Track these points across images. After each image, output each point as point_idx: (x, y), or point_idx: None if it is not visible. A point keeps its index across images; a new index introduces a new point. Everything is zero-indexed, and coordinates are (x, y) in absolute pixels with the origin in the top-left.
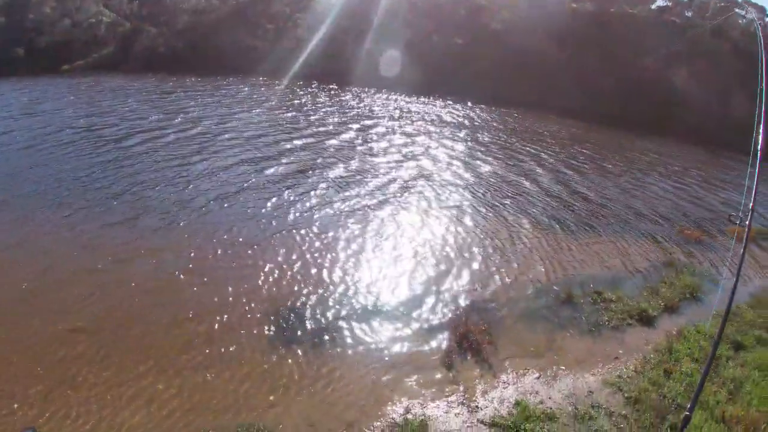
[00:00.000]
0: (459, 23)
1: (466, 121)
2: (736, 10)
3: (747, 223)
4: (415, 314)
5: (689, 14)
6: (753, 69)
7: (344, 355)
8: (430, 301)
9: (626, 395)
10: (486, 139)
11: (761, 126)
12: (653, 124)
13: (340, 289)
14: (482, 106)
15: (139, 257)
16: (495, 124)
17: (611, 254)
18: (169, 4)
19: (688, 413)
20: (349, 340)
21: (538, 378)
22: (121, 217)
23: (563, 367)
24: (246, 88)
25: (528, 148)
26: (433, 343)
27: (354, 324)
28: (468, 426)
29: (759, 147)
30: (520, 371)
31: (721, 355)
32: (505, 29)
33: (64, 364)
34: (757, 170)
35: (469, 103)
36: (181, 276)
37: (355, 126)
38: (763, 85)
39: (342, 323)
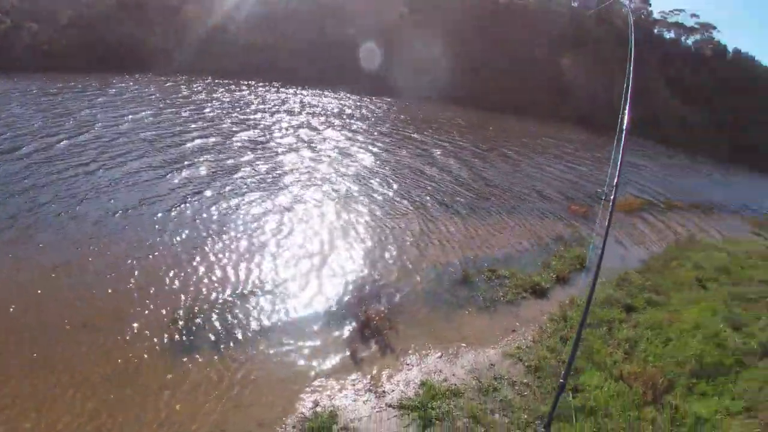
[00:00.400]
0: (352, 15)
1: (368, 114)
2: None
3: (612, 198)
4: (318, 308)
5: (575, 4)
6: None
7: (250, 357)
8: (333, 293)
9: (526, 364)
10: (388, 129)
11: (627, 108)
12: (546, 110)
13: (245, 289)
14: (382, 98)
15: (36, 273)
16: (396, 116)
17: (506, 233)
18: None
19: (562, 381)
20: (254, 341)
21: (440, 357)
22: (14, 234)
23: (464, 345)
24: (137, 86)
25: (429, 138)
26: (337, 335)
27: (259, 323)
28: (377, 411)
29: (624, 127)
30: (423, 352)
31: (614, 318)
32: (401, 21)
33: None
34: (621, 153)
35: (369, 96)
36: (81, 289)
37: (255, 122)
38: (631, 67)
39: (246, 324)
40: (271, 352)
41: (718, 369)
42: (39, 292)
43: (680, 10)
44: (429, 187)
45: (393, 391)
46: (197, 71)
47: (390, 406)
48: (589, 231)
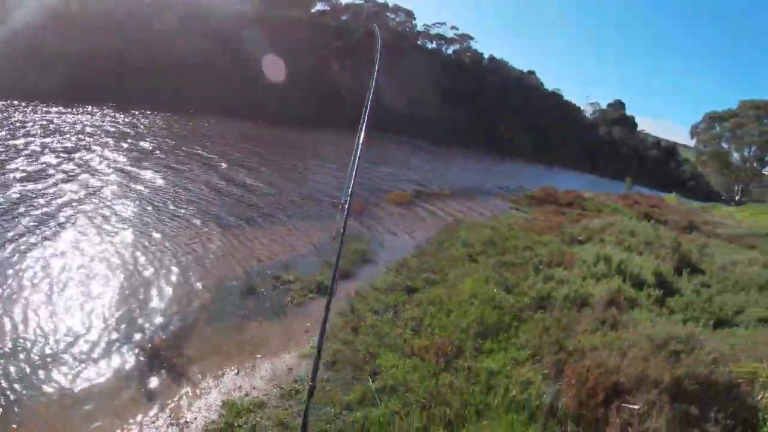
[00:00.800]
0: (116, 24)
1: (130, 130)
2: (387, 13)
3: (347, 206)
4: (101, 351)
5: (345, 17)
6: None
7: (34, 415)
8: (116, 331)
9: (323, 361)
10: (153, 146)
11: (365, 121)
12: (316, 117)
13: (14, 341)
14: (145, 112)
15: None
16: (162, 131)
17: (285, 239)
18: None
19: (312, 384)
20: (36, 397)
21: (237, 374)
22: None
23: (260, 355)
24: None
25: (199, 152)
26: (126, 375)
27: (38, 377)
28: None
29: (358, 152)
30: (219, 372)
31: (398, 301)
32: (167, 31)
33: None
34: (356, 165)
35: (132, 111)
36: None
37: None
38: (373, 81)
39: (23, 379)
40: (56, 406)
41: (500, 327)
42: None
43: (442, 23)
44: (205, 203)
45: (195, 419)
46: None
47: None
48: (363, 226)
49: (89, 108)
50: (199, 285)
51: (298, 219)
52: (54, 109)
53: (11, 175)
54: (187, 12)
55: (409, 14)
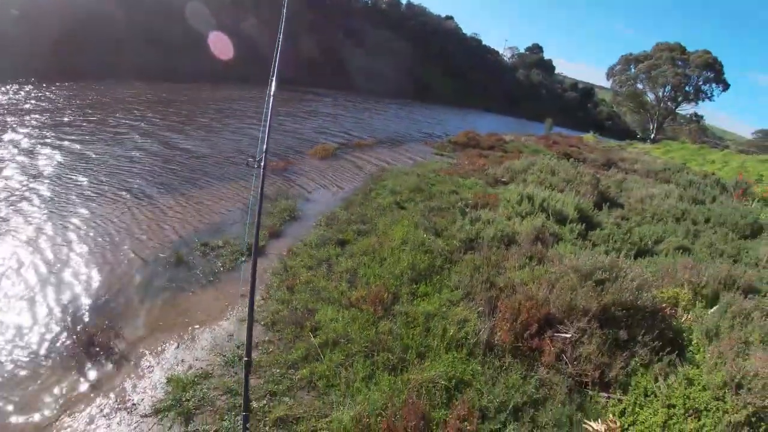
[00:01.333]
0: None
1: (42, 104)
2: None
3: (263, 165)
4: (25, 348)
5: None
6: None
7: None
8: (39, 325)
9: (263, 323)
10: (70, 119)
11: (274, 75)
12: (218, 73)
13: None
14: (48, 83)
15: None
16: (73, 101)
17: (208, 204)
18: None
19: (246, 359)
20: None
21: (177, 347)
22: None
23: (198, 326)
24: None
25: (120, 119)
26: (62, 367)
27: None
28: (135, 427)
29: (270, 107)
30: (159, 349)
31: (331, 255)
32: None
33: None
34: (269, 121)
35: (33, 81)
36: None
37: None
38: (280, 37)
39: None
40: None
41: (432, 271)
42: None
43: None
44: (123, 174)
45: (143, 400)
46: None
47: (145, 416)
48: (288, 183)
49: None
50: (125, 262)
51: (221, 181)
52: None
53: None
54: None
55: None
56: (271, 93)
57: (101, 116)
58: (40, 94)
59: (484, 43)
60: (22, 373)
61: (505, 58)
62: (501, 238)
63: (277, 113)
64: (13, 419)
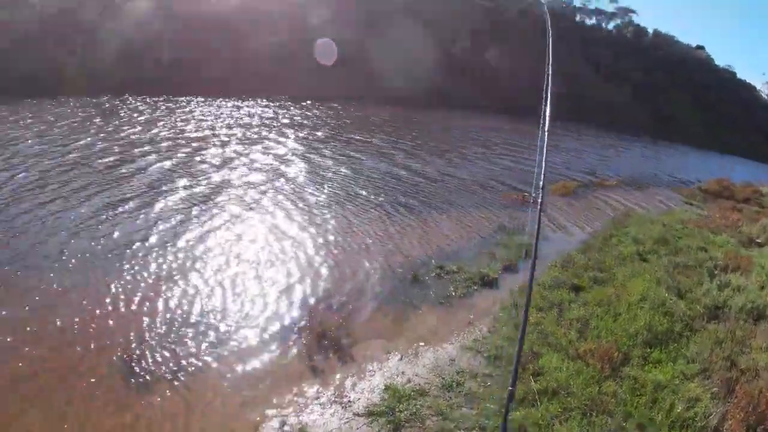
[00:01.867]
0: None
1: (304, 121)
2: None
3: (540, 200)
4: (272, 326)
5: None
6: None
7: (206, 384)
8: (286, 308)
9: (485, 355)
10: (323, 134)
11: (546, 107)
12: (472, 101)
13: (193, 313)
14: (306, 103)
15: None
16: (328, 120)
17: (449, 228)
18: None
19: (511, 388)
20: (208, 367)
21: (401, 359)
22: None
23: (422, 344)
24: (65, 111)
25: (364, 138)
26: (294, 350)
27: (211, 348)
28: (345, 422)
29: (545, 131)
30: (383, 356)
31: (564, 300)
32: (320, 24)
33: None
34: (544, 152)
35: (300, 102)
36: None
37: (187, 140)
38: (550, 71)
39: (198, 350)
40: (227, 376)
41: (670, 336)
42: None
43: None
44: (367, 189)
45: (359, 399)
46: (116, 89)
47: (358, 415)
48: (528, 218)
49: (263, 101)
50: (366, 270)
51: (460, 207)
52: (229, 103)
53: (207, 164)
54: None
55: None
56: (545, 129)
57: (363, 136)
58: (299, 112)
59: (738, 76)
60: (257, 343)
61: (762, 94)
62: (750, 311)
63: (524, 145)
64: (241, 382)
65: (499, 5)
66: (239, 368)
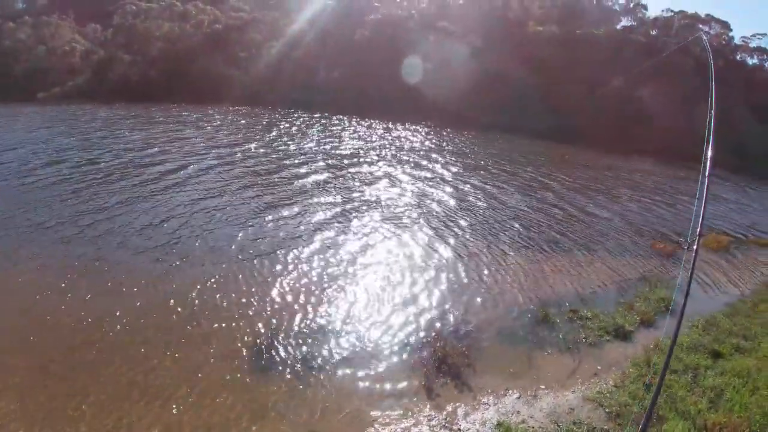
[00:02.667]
0: (426, 47)
1: (455, 147)
2: (699, 25)
3: (695, 247)
4: (394, 340)
5: (654, 32)
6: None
7: (323, 386)
8: (410, 326)
9: (607, 410)
10: (474, 162)
11: (709, 150)
12: (622, 141)
13: (320, 318)
14: (461, 131)
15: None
16: (476, 148)
17: (586, 272)
18: (141, 32)
19: None
20: (327, 370)
21: (518, 398)
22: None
23: (543, 386)
24: (233, 117)
25: (513, 170)
26: (413, 369)
27: (332, 353)
28: None
29: (707, 173)
30: (501, 392)
31: (700, 365)
32: (474, 52)
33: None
34: (704, 197)
35: (451, 128)
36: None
37: (340, 156)
38: (713, 101)
39: (320, 352)
40: (344, 381)
41: None
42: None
43: (762, 34)
44: (504, 222)
45: (468, 430)
46: (270, 102)
47: None
48: (674, 271)
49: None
50: (496, 302)
51: (602, 251)
52: (381, 125)
53: (360, 181)
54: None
55: (725, 26)
56: (707, 172)
57: (513, 167)
58: (450, 138)
59: None
60: (379, 353)
61: None
62: None
63: (676, 191)
64: (358, 389)
65: (655, 40)
66: (360, 375)
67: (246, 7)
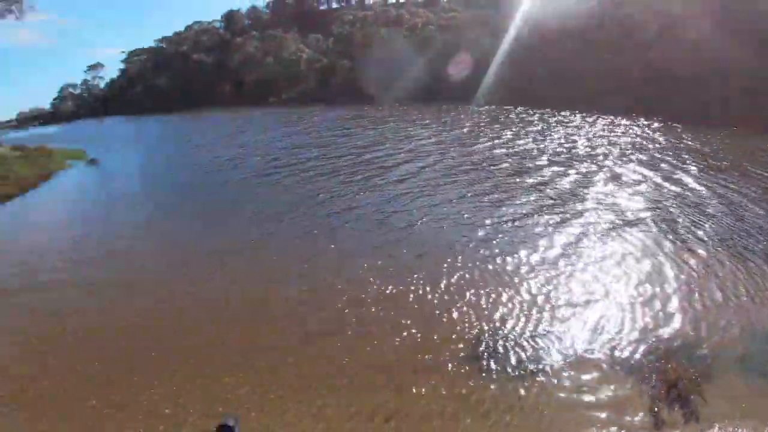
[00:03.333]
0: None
1: (682, 145)
2: None
3: None
4: (621, 352)
5: None
6: None
7: (539, 392)
8: (640, 338)
9: None
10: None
11: None
12: None
13: (542, 322)
14: (680, 127)
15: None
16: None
17: None
18: (358, 41)
19: None
20: (545, 376)
21: None
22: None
23: None
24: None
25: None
26: (639, 386)
27: (551, 359)
28: None
29: None
30: (730, 429)
31: None
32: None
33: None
34: None
35: (676, 125)
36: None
37: (574, 156)
38: None
39: (539, 357)
40: (561, 391)
41: None
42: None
43: None
44: (745, 232)
45: None
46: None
47: None
48: None
49: (642, 120)
50: (729, 326)
51: None
52: (602, 121)
53: (598, 185)
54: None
55: None
56: None
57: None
58: (670, 135)
59: None
60: (602, 365)
61: None
62: None
63: None
64: (572, 404)
65: None
66: (578, 387)
67: (458, 8)
